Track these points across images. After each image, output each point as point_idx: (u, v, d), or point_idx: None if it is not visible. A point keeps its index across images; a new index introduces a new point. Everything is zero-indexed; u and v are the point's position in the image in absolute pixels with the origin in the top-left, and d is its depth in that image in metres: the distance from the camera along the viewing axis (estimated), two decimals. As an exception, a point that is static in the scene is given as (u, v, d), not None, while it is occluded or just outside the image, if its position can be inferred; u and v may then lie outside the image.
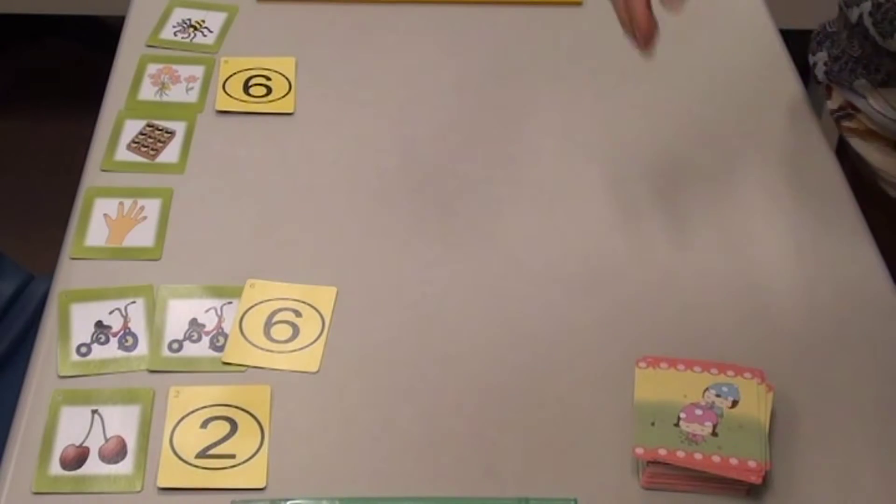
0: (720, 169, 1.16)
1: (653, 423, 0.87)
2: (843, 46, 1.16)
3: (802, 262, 1.06)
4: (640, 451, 0.85)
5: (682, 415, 0.88)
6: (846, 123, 1.19)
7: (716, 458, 0.85)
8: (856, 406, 0.93)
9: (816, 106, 1.25)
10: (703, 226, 1.09)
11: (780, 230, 1.09)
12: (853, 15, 1.12)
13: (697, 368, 0.91)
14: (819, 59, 1.20)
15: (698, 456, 0.85)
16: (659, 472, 0.86)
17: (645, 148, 1.18)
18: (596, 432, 0.90)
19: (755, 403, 0.89)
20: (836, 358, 0.97)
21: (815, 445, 0.90)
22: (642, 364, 0.92)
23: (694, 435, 0.86)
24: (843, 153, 1.24)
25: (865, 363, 0.97)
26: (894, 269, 1.05)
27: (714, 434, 0.86)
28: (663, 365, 0.92)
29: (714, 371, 0.91)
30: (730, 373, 0.91)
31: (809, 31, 2.20)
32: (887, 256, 1.06)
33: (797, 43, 1.46)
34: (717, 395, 0.89)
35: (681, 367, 0.92)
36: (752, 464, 0.84)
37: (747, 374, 0.91)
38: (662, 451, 0.85)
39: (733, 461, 0.85)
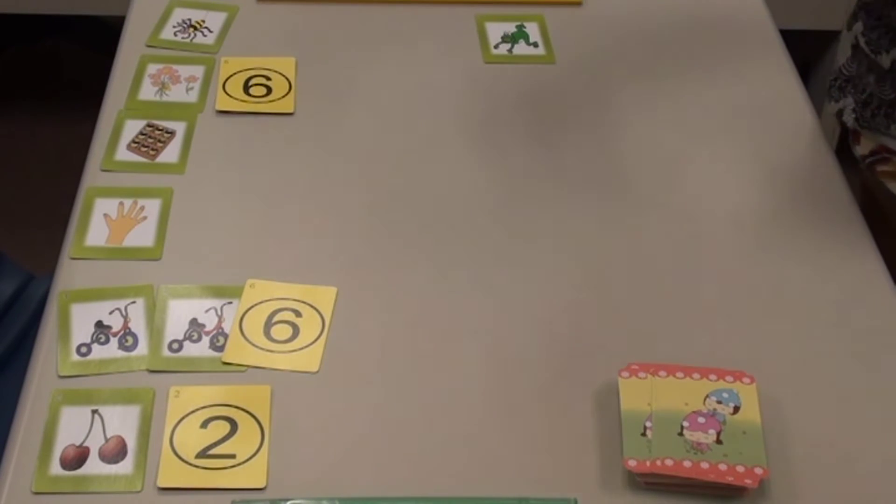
0: (717, 168, 1.16)
1: (643, 433, 0.87)
2: (870, 90, 1.12)
3: (800, 262, 1.06)
4: (632, 463, 0.85)
5: (686, 423, 0.88)
6: (882, 168, 1.15)
7: (722, 467, 0.84)
8: (852, 407, 0.93)
9: (817, 107, 1.25)
10: (699, 228, 1.09)
11: (776, 230, 1.09)
12: (885, 61, 1.09)
13: (696, 375, 0.91)
14: (846, 106, 1.16)
15: (705, 465, 0.84)
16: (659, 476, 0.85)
17: (641, 147, 1.18)
18: (596, 432, 0.90)
19: (754, 408, 0.89)
20: (834, 359, 0.97)
21: (813, 447, 0.90)
22: (625, 374, 0.92)
23: (699, 444, 0.86)
24: (868, 199, 1.22)
25: (863, 365, 0.97)
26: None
27: (719, 442, 0.86)
28: (642, 374, 0.91)
29: (713, 377, 0.91)
30: (728, 378, 0.91)
31: (809, 32, 2.21)
32: None
33: (797, 43, 1.46)
34: (719, 402, 0.89)
35: (679, 374, 0.91)
36: (758, 470, 0.84)
37: (746, 380, 0.91)
38: (669, 462, 0.85)
39: (740, 468, 0.84)
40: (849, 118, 1.15)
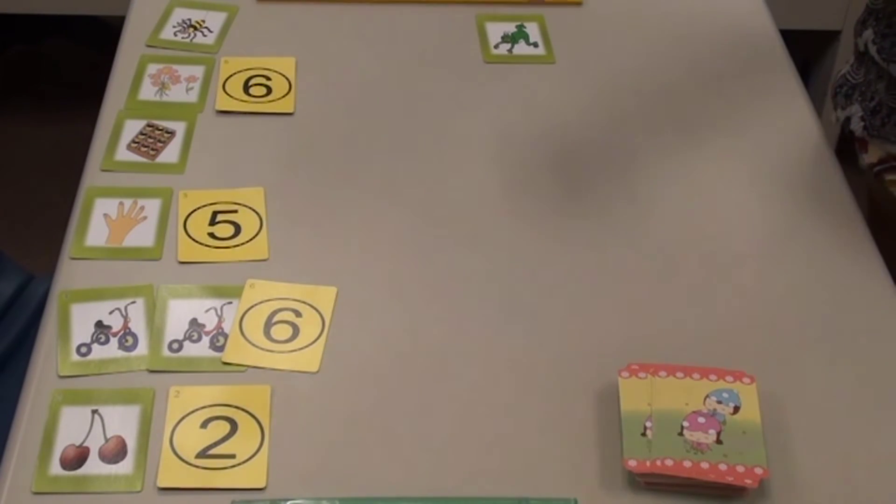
0: (717, 168, 1.16)
1: (643, 433, 0.87)
2: (880, 98, 1.11)
3: (800, 263, 1.06)
4: (632, 463, 0.85)
5: (686, 423, 0.88)
6: (890, 177, 1.14)
7: (722, 467, 0.84)
8: (852, 407, 0.93)
9: (817, 107, 1.25)
10: (699, 228, 1.09)
11: (777, 231, 1.09)
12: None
13: (696, 375, 0.91)
14: (853, 114, 1.14)
15: (705, 465, 0.84)
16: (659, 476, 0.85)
17: (641, 147, 1.18)
18: (596, 432, 0.90)
19: (754, 408, 0.89)
20: (834, 360, 0.97)
21: (813, 447, 0.90)
22: (625, 374, 0.92)
23: (699, 444, 0.86)
24: (873, 207, 1.21)
25: (863, 365, 0.97)
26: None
27: (719, 442, 0.86)
28: (642, 374, 0.91)
29: (713, 377, 0.91)
30: (728, 378, 0.91)
31: (809, 32, 2.20)
32: None
33: (797, 43, 1.46)
34: (719, 402, 0.89)
35: (679, 374, 0.91)
36: (758, 470, 0.84)
37: (746, 380, 0.91)
38: (669, 462, 0.85)
39: (740, 468, 0.84)
40: (857, 126, 1.14)
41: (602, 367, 0.94)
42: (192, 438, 0.88)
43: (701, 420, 0.88)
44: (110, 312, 0.98)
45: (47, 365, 0.94)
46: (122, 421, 0.90)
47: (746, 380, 0.91)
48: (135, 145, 1.15)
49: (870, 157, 1.15)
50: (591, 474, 0.87)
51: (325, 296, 1.00)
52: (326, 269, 1.03)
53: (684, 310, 1.01)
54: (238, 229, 1.06)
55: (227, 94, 1.22)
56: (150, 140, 1.16)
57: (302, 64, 1.27)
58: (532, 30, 1.33)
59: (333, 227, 1.08)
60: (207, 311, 0.98)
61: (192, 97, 1.22)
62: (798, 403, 0.92)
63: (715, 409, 0.89)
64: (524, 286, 1.02)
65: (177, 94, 1.22)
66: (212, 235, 1.05)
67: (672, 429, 0.87)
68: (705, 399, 0.90)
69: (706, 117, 1.22)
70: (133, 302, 0.99)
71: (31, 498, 0.85)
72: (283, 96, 1.22)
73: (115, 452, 0.87)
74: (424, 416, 0.91)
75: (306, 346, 0.96)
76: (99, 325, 0.97)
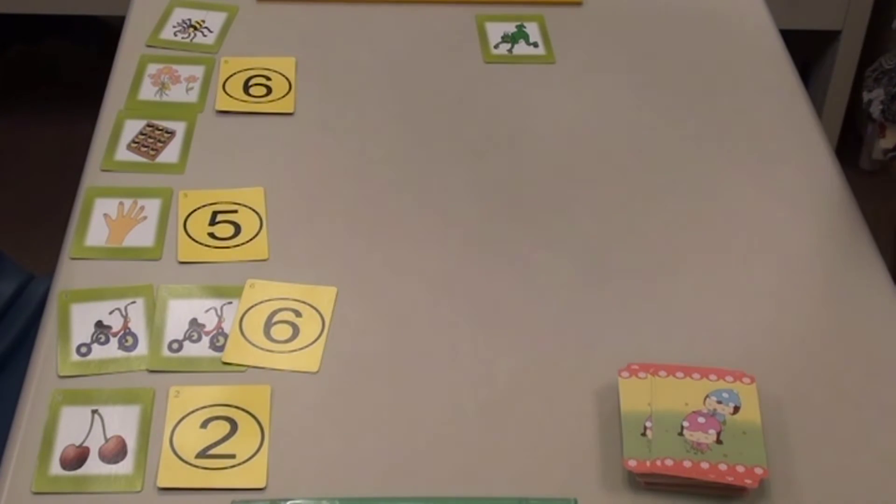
0: (717, 168, 1.16)
1: (643, 434, 0.87)
2: None
3: (800, 263, 1.06)
4: (632, 463, 0.85)
5: (686, 423, 0.88)
6: None
7: (722, 467, 0.84)
8: (852, 407, 0.93)
9: (817, 107, 1.25)
10: (699, 228, 1.09)
11: (776, 232, 1.09)
12: None
13: (696, 375, 0.91)
14: (875, 97, 1.16)
15: (705, 465, 0.84)
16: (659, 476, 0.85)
17: (641, 147, 1.18)
18: (596, 432, 0.90)
19: (754, 408, 0.89)
20: (834, 360, 0.97)
21: (813, 447, 0.90)
22: (625, 374, 0.92)
23: (699, 444, 0.86)
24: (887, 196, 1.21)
25: (863, 365, 0.97)
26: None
27: (719, 442, 0.86)
28: (642, 374, 0.91)
29: (713, 377, 0.91)
30: (728, 378, 0.91)
31: (809, 32, 2.21)
32: None
33: (797, 43, 1.46)
34: (719, 402, 0.89)
35: (679, 374, 0.91)
36: (758, 470, 0.84)
37: (746, 380, 0.91)
38: (669, 462, 0.85)
39: (740, 468, 0.84)
40: (875, 110, 1.15)
41: (602, 367, 0.94)
42: (191, 438, 0.88)
43: (701, 420, 0.88)
44: (110, 312, 0.98)
45: (47, 365, 0.94)
46: (122, 421, 0.90)
47: (746, 380, 0.91)
48: (135, 145, 1.15)
49: (886, 141, 1.16)
50: (591, 474, 0.87)
51: (325, 296, 1.00)
52: (326, 269, 1.03)
53: (684, 310, 1.01)
54: (238, 229, 1.06)
55: (227, 94, 1.22)
56: (150, 140, 1.16)
57: (302, 64, 1.27)
58: (532, 30, 1.33)
59: (333, 227, 1.08)
60: (207, 311, 0.98)
61: (192, 97, 1.22)
62: (798, 403, 0.92)
63: (715, 409, 0.89)
64: (524, 286, 1.02)
65: (177, 94, 1.22)
66: (212, 235, 1.05)
67: (672, 429, 0.87)
68: (705, 399, 0.90)
69: (706, 117, 1.22)
70: (133, 302, 0.99)
71: (31, 498, 0.85)
72: (283, 96, 1.22)
73: (115, 452, 0.87)
74: (424, 415, 0.91)
75: (306, 346, 0.96)
76: (99, 325, 0.97)
